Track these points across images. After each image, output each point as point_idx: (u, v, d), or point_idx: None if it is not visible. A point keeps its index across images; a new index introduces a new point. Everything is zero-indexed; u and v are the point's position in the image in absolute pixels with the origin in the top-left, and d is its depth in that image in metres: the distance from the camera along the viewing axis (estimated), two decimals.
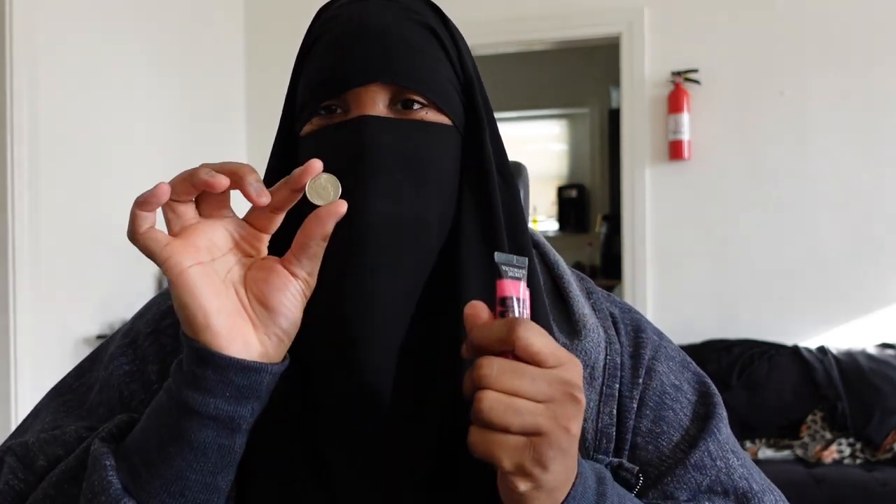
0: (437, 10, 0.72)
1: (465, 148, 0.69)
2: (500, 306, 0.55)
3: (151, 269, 3.19)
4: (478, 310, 0.54)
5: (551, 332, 0.69)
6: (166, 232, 0.55)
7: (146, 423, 0.57)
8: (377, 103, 0.65)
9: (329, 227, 0.56)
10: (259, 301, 0.56)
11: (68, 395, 0.76)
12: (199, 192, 0.55)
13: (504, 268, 0.55)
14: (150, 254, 0.54)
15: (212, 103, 3.62)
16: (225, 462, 0.55)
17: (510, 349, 0.52)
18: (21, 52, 2.47)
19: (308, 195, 0.57)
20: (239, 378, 0.54)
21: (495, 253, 0.56)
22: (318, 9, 0.73)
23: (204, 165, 0.55)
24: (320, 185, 0.57)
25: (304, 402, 0.64)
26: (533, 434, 0.51)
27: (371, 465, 0.62)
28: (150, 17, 3.15)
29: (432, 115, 0.67)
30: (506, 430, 0.50)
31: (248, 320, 0.56)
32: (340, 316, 0.62)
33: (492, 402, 0.50)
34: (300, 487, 0.62)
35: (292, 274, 0.57)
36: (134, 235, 0.53)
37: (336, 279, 0.63)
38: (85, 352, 2.58)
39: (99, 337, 2.79)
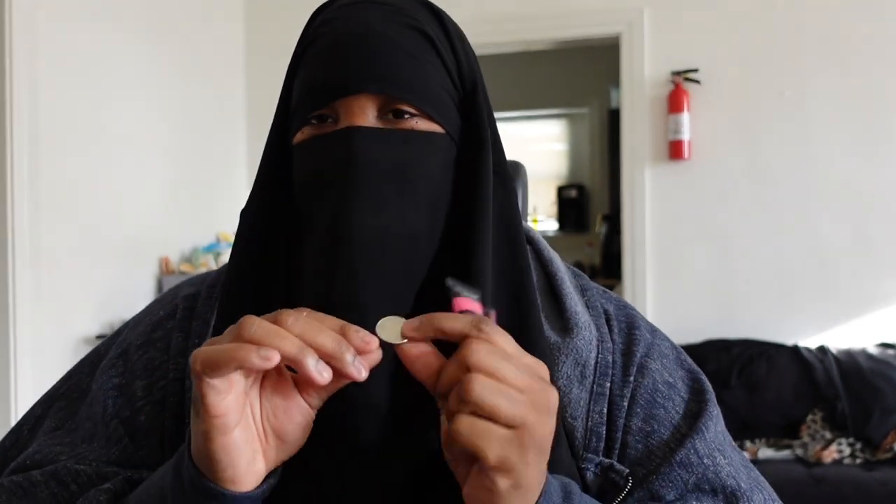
0: (436, 13, 0.71)
1: (461, 155, 0.68)
2: None
3: (151, 269, 3.20)
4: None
5: (542, 330, 0.68)
6: None
7: None
8: (367, 113, 0.64)
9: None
10: (276, 433, 0.55)
11: (61, 401, 0.76)
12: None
13: (458, 288, 0.55)
14: (204, 401, 0.51)
15: (212, 102, 3.62)
16: None
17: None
18: (21, 51, 2.47)
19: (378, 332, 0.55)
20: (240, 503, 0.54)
21: (447, 279, 0.56)
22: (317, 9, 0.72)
23: (310, 354, 0.51)
24: (388, 326, 0.55)
25: None
26: (516, 426, 0.50)
27: (359, 478, 0.61)
28: (150, 16, 3.16)
29: (423, 125, 0.66)
30: (493, 418, 0.50)
31: (262, 455, 0.55)
32: None
33: (483, 383, 0.50)
34: (289, 500, 0.61)
35: (309, 405, 0.56)
36: (207, 378, 0.50)
37: (325, 292, 0.62)
38: (85, 352, 2.57)
39: (99, 337, 2.79)
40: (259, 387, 0.55)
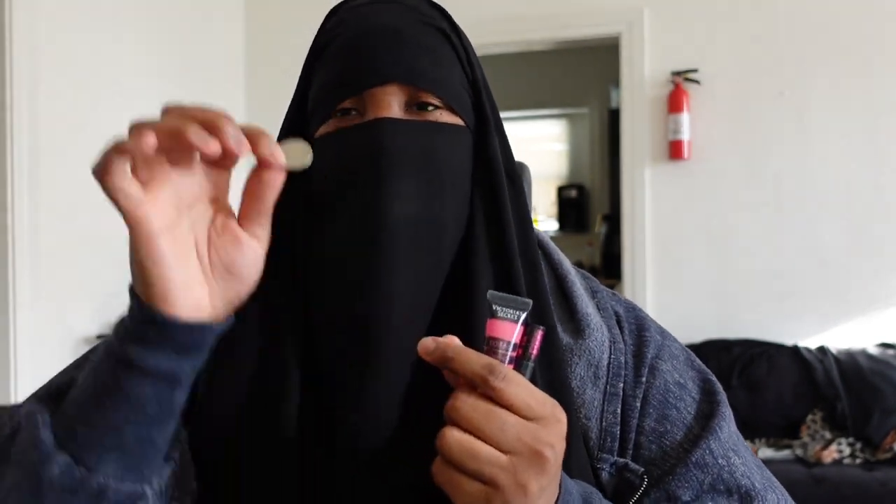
0: (446, 14, 0.73)
1: (474, 149, 0.70)
2: (486, 346, 0.54)
3: None
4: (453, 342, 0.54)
5: (555, 331, 0.69)
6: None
7: (85, 379, 0.56)
8: (393, 104, 0.66)
9: (279, 186, 0.55)
10: (225, 267, 0.55)
11: (42, 391, 0.76)
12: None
13: (496, 307, 0.54)
14: (120, 208, 0.51)
15: (212, 102, 3.61)
16: (163, 416, 0.54)
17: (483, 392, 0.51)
18: (21, 52, 2.47)
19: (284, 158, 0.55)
20: (183, 336, 0.53)
21: (488, 291, 0.56)
22: (317, 9, 0.73)
23: (190, 122, 0.52)
24: (291, 148, 0.56)
25: (319, 402, 0.64)
26: (486, 483, 0.51)
27: (369, 487, 0.62)
28: (150, 17, 3.15)
29: (446, 117, 0.68)
30: (462, 472, 0.51)
31: (205, 287, 0.55)
32: (357, 317, 0.63)
33: (452, 442, 0.51)
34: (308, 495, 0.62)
35: (255, 237, 0.56)
36: (106, 184, 0.50)
37: (354, 280, 0.63)
38: (84, 351, 2.57)
39: (99, 337, 2.79)
40: (208, 224, 0.55)
